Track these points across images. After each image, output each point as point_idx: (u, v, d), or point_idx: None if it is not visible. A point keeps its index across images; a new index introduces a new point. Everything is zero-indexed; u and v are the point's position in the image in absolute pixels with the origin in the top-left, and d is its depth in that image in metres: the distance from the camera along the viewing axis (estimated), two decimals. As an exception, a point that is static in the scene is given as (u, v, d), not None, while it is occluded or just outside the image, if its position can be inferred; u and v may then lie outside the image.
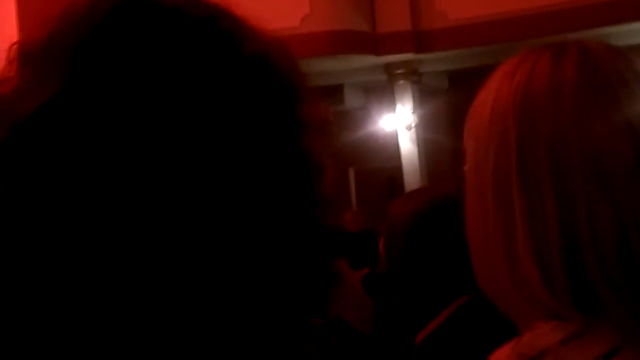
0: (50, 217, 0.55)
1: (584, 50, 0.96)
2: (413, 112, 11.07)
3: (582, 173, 0.90)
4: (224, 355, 0.58)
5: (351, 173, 12.31)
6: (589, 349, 0.88)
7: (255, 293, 0.59)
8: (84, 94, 0.56)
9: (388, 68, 11.09)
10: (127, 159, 0.55)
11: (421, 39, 10.69)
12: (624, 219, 0.89)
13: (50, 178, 0.55)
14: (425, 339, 2.04)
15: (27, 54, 0.59)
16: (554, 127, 0.92)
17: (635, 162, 0.91)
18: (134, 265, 0.55)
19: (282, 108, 0.62)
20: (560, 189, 0.91)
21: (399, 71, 11.07)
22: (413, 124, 11.07)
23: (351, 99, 11.98)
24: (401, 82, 11.15)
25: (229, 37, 0.61)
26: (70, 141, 0.55)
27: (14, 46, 0.59)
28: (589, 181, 0.90)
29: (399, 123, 11.07)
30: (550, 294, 0.90)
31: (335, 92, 11.43)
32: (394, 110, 11.19)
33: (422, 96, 11.37)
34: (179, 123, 0.57)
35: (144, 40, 0.58)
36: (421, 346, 2.04)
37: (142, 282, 0.56)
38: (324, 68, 10.24)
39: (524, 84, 0.95)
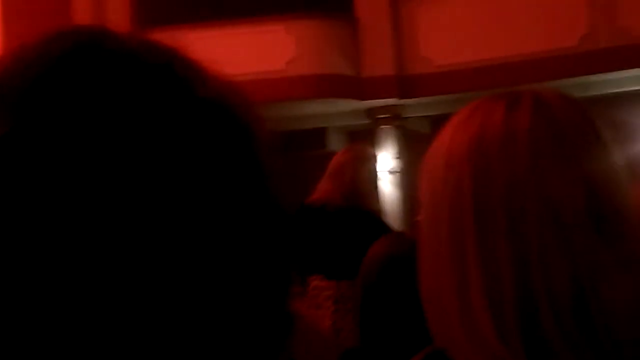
0: None
1: (537, 99, 0.96)
2: (396, 157, 11.11)
3: (537, 222, 0.90)
4: None
5: (333, 216, 12.31)
6: None
7: (219, 326, 0.58)
8: (29, 137, 0.55)
9: (371, 112, 11.15)
10: (70, 207, 0.54)
11: (405, 84, 10.77)
12: (579, 271, 0.89)
13: None
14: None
15: None
16: (508, 174, 0.92)
17: (587, 211, 0.90)
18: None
19: (239, 150, 0.61)
20: (515, 239, 0.90)
21: (382, 116, 11.13)
22: (396, 169, 11.10)
23: (334, 143, 12.02)
24: (384, 126, 11.21)
25: (184, 81, 0.60)
26: (14, 185, 0.54)
27: None
28: (544, 232, 0.89)
29: (381, 167, 11.10)
30: (504, 347, 0.89)
31: (318, 135, 11.47)
32: (376, 154, 11.22)
33: (405, 141, 11.42)
34: (129, 168, 0.55)
35: (96, 85, 0.57)
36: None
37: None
38: (308, 111, 10.29)
39: (478, 132, 0.95)
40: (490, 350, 0.90)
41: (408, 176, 11.27)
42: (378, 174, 4.81)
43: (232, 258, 0.59)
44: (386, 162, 11.09)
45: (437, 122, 10.95)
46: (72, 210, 0.54)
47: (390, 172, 11.07)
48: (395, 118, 11.23)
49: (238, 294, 0.59)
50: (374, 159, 4.69)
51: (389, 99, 10.87)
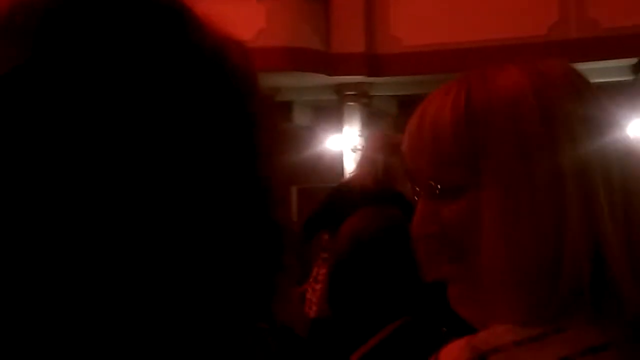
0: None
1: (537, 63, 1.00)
2: (360, 135, 11.13)
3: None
4: (171, 352, 0.58)
5: (294, 191, 12.31)
6: (542, 353, 0.88)
7: (205, 287, 0.59)
8: (45, 67, 0.56)
9: (339, 89, 11.14)
10: (79, 135, 0.55)
11: (374, 63, 10.77)
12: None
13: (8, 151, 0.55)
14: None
15: None
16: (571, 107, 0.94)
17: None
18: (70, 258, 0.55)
19: (234, 101, 0.62)
20: (576, 191, 0.92)
21: (349, 92, 11.12)
22: (359, 147, 11.12)
23: (299, 117, 12.00)
24: (351, 103, 11.20)
25: (193, 29, 0.62)
26: (30, 115, 0.55)
27: None
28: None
29: (345, 144, 11.10)
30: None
31: (283, 108, 11.44)
32: (341, 131, 11.22)
33: (371, 119, 11.43)
34: (133, 106, 0.57)
35: (109, 21, 0.58)
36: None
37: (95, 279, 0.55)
38: (275, 84, 10.24)
39: (538, 73, 0.99)
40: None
41: (372, 154, 11.28)
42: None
43: (215, 206, 0.59)
44: (350, 139, 11.09)
45: (404, 102, 10.93)
46: (73, 140, 0.55)
47: (353, 150, 11.08)
48: (362, 95, 11.23)
49: (238, 241, 0.60)
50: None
51: (357, 76, 10.86)
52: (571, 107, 0.95)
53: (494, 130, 0.94)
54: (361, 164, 4.79)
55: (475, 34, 10.09)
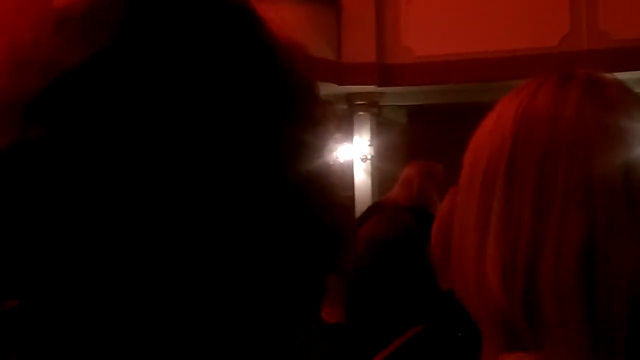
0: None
1: (590, 77, 0.98)
2: (370, 144, 11.12)
3: (564, 185, 0.91)
4: (220, 355, 0.58)
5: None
6: None
7: (252, 291, 0.59)
8: (129, 53, 0.57)
9: (349, 98, 11.14)
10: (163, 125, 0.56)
11: (385, 73, 10.77)
12: (594, 230, 0.90)
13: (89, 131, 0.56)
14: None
15: (66, 19, 0.59)
16: (549, 140, 0.93)
17: (623, 192, 0.91)
18: (122, 261, 0.55)
19: (300, 103, 0.64)
20: (540, 196, 0.92)
21: (360, 102, 11.12)
22: (369, 156, 11.11)
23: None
24: (361, 113, 11.20)
25: (262, 28, 0.63)
26: (113, 99, 0.56)
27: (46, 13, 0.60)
28: (569, 195, 0.91)
29: (355, 154, 11.10)
30: (506, 301, 0.92)
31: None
32: (351, 140, 11.22)
33: (380, 129, 11.43)
34: (204, 99, 0.58)
35: (183, 19, 0.60)
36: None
37: (134, 281, 0.56)
38: (286, 92, 10.21)
39: (527, 100, 0.97)
40: (493, 304, 0.92)
41: (380, 164, 11.28)
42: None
43: (277, 212, 0.60)
44: (360, 148, 11.09)
45: (414, 112, 10.91)
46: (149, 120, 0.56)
47: (362, 160, 11.08)
48: (372, 105, 11.23)
49: (287, 243, 0.60)
50: (440, 172, 5.12)
51: (367, 86, 10.86)
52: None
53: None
54: (399, 185, 5.05)
55: (486, 44, 10.08)
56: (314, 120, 0.65)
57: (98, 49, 0.57)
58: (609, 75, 1.01)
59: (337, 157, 0.68)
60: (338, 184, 0.66)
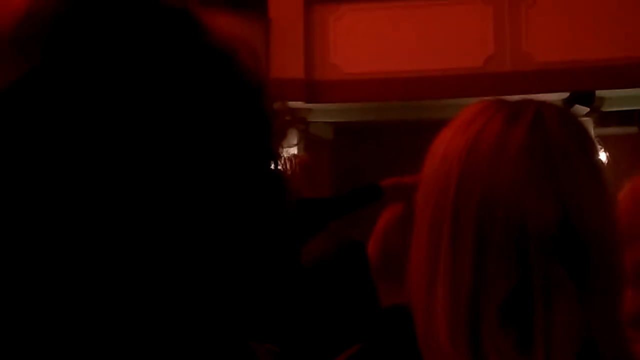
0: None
1: (538, 116, 0.98)
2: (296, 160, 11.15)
3: (502, 236, 0.93)
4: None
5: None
6: None
7: (208, 290, 0.58)
8: (54, 72, 0.56)
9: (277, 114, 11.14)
10: (94, 139, 0.55)
11: (312, 89, 10.81)
12: (531, 286, 0.91)
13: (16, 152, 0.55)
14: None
15: None
16: (488, 185, 0.94)
17: (557, 237, 0.92)
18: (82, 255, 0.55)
19: (248, 100, 0.62)
20: (479, 248, 0.93)
21: (288, 118, 11.13)
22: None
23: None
24: (289, 129, 11.21)
25: (201, 30, 0.62)
26: (43, 118, 0.55)
27: None
28: (505, 247, 0.92)
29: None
30: (452, 348, 0.92)
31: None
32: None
33: (307, 145, 11.46)
34: (142, 107, 0.57)
35: (117, 25, 0.58)
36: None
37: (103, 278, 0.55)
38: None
39: (473, 139, 0.97)
40: (439, 349, 0.93)
41: (307, 179, 11.31)
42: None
43: (225, 206, 0.59)
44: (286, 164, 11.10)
45: (341, 129, 11.00)
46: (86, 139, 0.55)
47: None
48: (299, 121, 11.26)
49: (255, 243, 0.60)
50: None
51: (295, 102, 10.90)
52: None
53: None
54: None
55: (414, 64, 10.21)
56: (268, 117, 0.65)
57: (31, 66, 0.56)
58: (557, 109, 1.01)
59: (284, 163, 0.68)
60: (289, 190, 0.67)
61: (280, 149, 0.66)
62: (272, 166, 0.64)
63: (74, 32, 0.57)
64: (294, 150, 11.07)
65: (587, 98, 10.22)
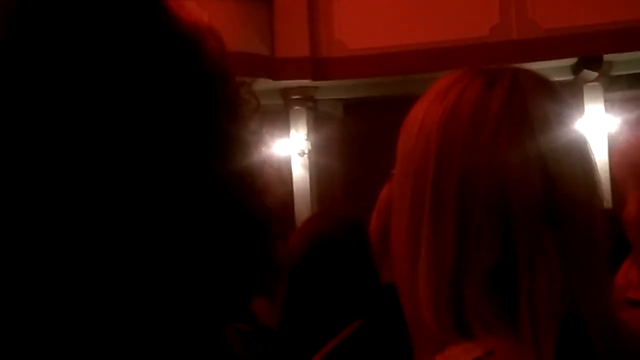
0: None
1: (515, 83, 0.96)
2: (307, 139, 11.13)
3: (484, 208, 0.92)
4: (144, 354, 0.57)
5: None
6: None
7: (180, 285, 0.58)
8: (15, 48, 0.56)
9: (284, 93, 11.13)
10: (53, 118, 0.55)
11: (319, 67, 10.78)
12: (517, 254, 0.91)
13: None
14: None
15: None
16: (468, 156, 0.93)
17: (542, 202, 0.91)
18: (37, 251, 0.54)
19: (208, 86, 0.62)
20: (461, 222, 0.92)
21: (295, 97, 11.12)
22: (306, 151, 11.12)
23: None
24: (297, 107, 11.20)
25: (165, 14, 0.61)
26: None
27: None
28: (488, 218, 0.91)
29: (292, 148, 11.09)
30: (436, 323, 0.92)
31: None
32: (287, 135, 11.21)
33: (317, 123, 11.44)
34: (100, 89, 0.56)
35: (81, 6, 0.58)
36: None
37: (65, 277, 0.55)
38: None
39: (450, 109, 0.96)
40: (423, 323, 0.93)
41: (318, 158, 11.30)
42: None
43: (186, 195, 0.58)
44: (296, 143, 11.09)
45: (350, 105, 10.94)
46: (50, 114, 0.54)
47: (299, 154, 11.08)
48: (308, 99, 11.23)
49: (213, 230, 0.59)
50: None
51: (302, 80, 10.86)
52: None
53: None
54: None
55: (419, 36, 10.16)
56: (238, 111, 0.64)
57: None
58: (532, 75, 0.99)
59: (272, 152, 0.67)
60: (272, 178, 0.65)
61: (248, 134, 0.65)
62: (243, 157, 0.63)
63: (36, 10, 0.57)
64: (303, 130, 11.07)
65: (595, 62, 10.16)
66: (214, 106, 0.62)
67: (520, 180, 0.91)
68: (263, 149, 0.66)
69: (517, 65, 1.04)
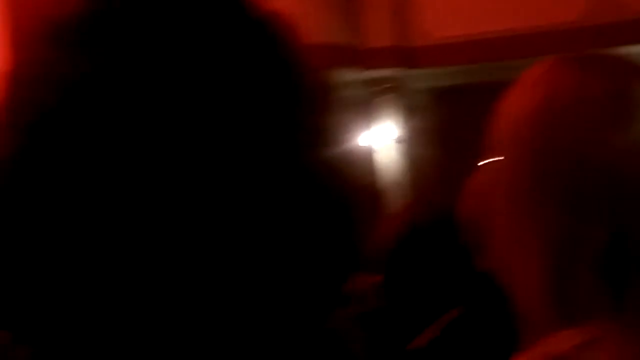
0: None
1: (606, 66, 0.97)
2: (397, 128, 11.07)
3: (594, 191, 0.92)
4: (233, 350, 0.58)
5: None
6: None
7: (272, 279, 0.58)
8: (115, 68, 0.57)
9: (372, 83, 11.09)
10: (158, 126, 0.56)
11: (406, 55, 10.71)
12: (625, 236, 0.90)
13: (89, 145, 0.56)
14: (417, 351, 2.04)
15: (62, 32, 0.59)
16: (573, 141, 0.93)
17: None
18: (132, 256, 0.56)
19: (286, 78, 0.63)
20: (571, 203, 0.92)
21: (383, 86, 11.07)
22: (396, 140, 11.07)
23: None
24: (385, 97, 11.16)
25: (246, 5, 0.62)
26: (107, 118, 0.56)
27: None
28: (598, 198, 0.91)
29: (381, 139, 11.05)
30: (540, 306, 0.93)
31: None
32: (376, 125, 11.17)
33: (406, 112, 11.37)
34: (201, 81, 0.57)
35: (163, 10, 0.59)
36: (413, 357, 2.05)
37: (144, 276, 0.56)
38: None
39: (548, 96, 0.96)
40: (528, 309, 0.94)
41: (408, 147, 11.23)
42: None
43: (284, 198, 0.59)
44: (390, 132, 11.05)
45: (439, 93, 10.84)
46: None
47: (398, 142, 11.02)
48: (396, 89, 11.17)
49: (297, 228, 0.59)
50: None
51: (389, 70, 10.81)
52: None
53: None
54: None
55: (506, 22, 10.00)
56: (323, 103, 0.64)
57: (101, 60, 0.56)
58: (622, 59, 0.99)
59: (360, 142, 0.66)
60: (359, 169, 0.65)
61: (341, 133, 0.65)
62: (329, 148, 0.63)
63: (114, 26, 0.58)
64: (393, 119, 11.03)
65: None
66: (299, 95, 0.62)
67: (632, 160, 0.91)
68: (351, 138, 0.65)
69: (609, 49, 1.03)
